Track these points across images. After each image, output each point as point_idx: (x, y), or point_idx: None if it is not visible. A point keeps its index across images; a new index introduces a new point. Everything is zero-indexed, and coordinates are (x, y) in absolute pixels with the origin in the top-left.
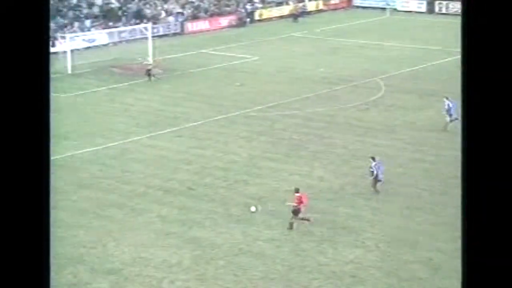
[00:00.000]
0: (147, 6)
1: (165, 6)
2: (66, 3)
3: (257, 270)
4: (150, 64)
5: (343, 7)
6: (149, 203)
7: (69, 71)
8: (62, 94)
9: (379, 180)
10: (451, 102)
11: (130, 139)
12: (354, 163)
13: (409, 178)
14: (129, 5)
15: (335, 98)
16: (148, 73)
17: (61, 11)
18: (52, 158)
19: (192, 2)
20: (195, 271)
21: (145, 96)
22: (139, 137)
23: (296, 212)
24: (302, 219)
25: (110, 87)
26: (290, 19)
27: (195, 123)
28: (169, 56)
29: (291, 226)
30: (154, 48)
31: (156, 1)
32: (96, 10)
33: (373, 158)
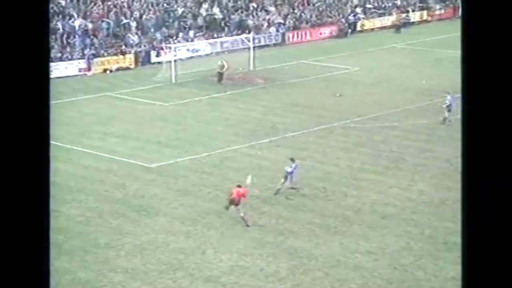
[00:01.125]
0: (250, 17)
1: (267, 17)
2: (172, 14)
3: (354, 283)
4: (224, 68)
5: (448, 18)
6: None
7: (173, 81)
8: (165, 103)
9: None
10: (452, 97)
11: (229, 148)
12: (456, 177)
13: None
14: (232, 16)
15: (437, 110)
16: (220, 77)
17: (167, 21)
18: (153, 165)
19: (294, 13)
20: (291, 281)
21: (245, 105)
22: (238, 146)
23: (233, 202)
24: (242, 217)
25: (212, 96)
26: (393, 30)
27: (294, 133)
28: (270, 66)
29: (227, 208)
30: (255, 58)
31: (259, 12)
32: (200, 21)
33: None
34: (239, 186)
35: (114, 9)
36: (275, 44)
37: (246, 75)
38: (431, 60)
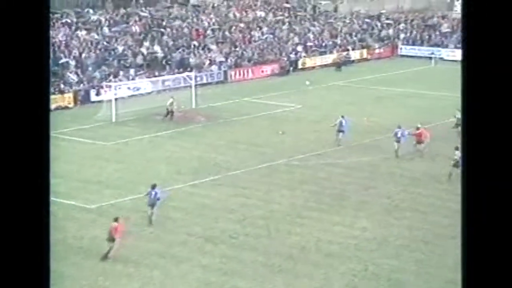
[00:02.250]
0: (191, 55)
1: (209, 54)
2: (112, 53)
3: None
4: (174, 105)
5: (388, 56)
6: (190, 252)
7: (114, 119)
8: (106, 142)
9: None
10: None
11: (172, 187)
12: (398, 214)
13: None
14: (173, 54)
15: (378, 147)
16: (171, 114)
17: (107, 60)
18: (93, 206)
19: (236, 51)
20: None
21: (187, 144)
22: (181, 185)
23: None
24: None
25: (153, 135)
26: (334, 68)
27: (237, 172)
28: (212, 104)
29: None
30: (197, 96)
31: (200, 50)
32: (140, 59)
33: None
34: (115, 220)
35: (52, 47)
36: (217, 82)
37: (188, 113)
38: (371, 98)
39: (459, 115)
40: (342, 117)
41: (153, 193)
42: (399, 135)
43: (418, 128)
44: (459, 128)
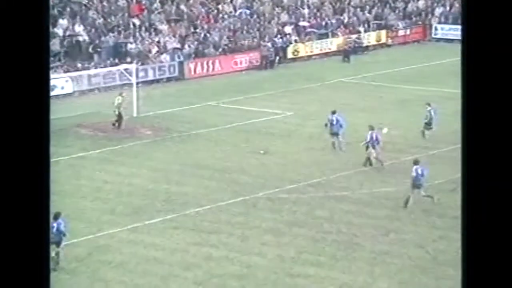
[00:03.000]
0: (131, 39)
1: (157, 38)
2: None
3: None
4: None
5: (416, 40)
6: None
7: None
8: None
9: None
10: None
11: (102, 233)
12: (434, 272)
13: None
14: (104, 38)
15: (403, 173)
16: (119, 120)
17: None
18: None
19: (196, 34)
20: None
21: (126, 168)
22: (116, 230)
23: None
24: None
25: (75, 156)
26: (340, 57)
27: (199, 209)
28: (162, 111)
29: None
30: (140, 99)
31: (144, 33)
32: (56, 45)
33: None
34: None
35: None
36: (169, 79)
37: (127, 124)
38: (394, 101)
39: (430, 110)
40: (333, 113)
41: (55, 225)
42: (374, 138)
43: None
44: (427, 130)
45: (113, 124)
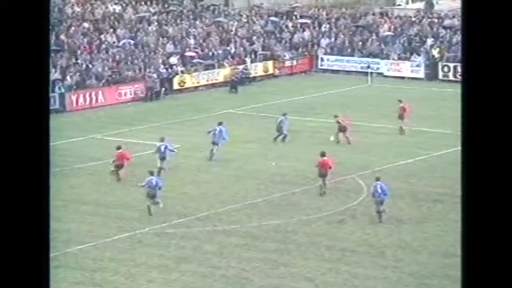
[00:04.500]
0: None
1: None
2: None
3: None
4: None
5: (303, 71)
6: None
7: None
8: None
9: None
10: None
11: None
12: None
13: None
14: None
15: (293, 205)
16: None
17: None
18: None
19: (78, 64)
20: None
21: None
22: None
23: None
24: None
25: None
26: (227, 88)
27: (82, 246)
28: None
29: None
30: None
31: None
32: None
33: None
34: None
35: None
36: (50, 111)
37: None
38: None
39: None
40: (220, 124)
41: (162, 148)
42: (162, 150)
43: (323, 155)
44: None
45: None
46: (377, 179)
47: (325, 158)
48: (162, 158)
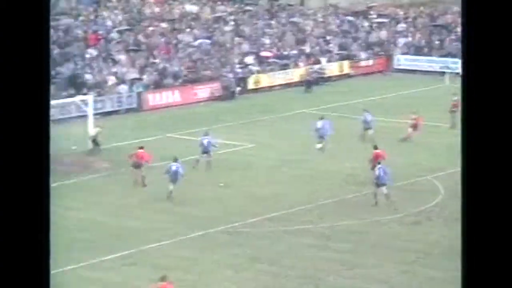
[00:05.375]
0: (88, 69)
1: (115, 69)
2: None
3: None
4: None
5: (379, 71)
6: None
7: None
8: None
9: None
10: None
11: (56, 270)
12: None
13: None
14: (60, 68)
15: (366, 206)
16: (95, 141)
17: None
18: None
19: (155, 64)
20: None
21: (80, 204)
22: (71, 266)
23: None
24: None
25: None
26: (302, 88)
27: (155, 244)
28: (118, 144)
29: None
30: (99, 126)
31: (101, 63)
32: None
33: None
34: (141, 148)
35: None
36: (127, 110)
37: (83, 157)
38: (356, 133)
39: (367, 116)
40: (321, 118)
41: (205, 142)
42: (205, 144)
43: (376, 148)
44: (368, 131)
45: (92, 152)
46: (379, 162)
47: (378, 151)
48: (204, 152)
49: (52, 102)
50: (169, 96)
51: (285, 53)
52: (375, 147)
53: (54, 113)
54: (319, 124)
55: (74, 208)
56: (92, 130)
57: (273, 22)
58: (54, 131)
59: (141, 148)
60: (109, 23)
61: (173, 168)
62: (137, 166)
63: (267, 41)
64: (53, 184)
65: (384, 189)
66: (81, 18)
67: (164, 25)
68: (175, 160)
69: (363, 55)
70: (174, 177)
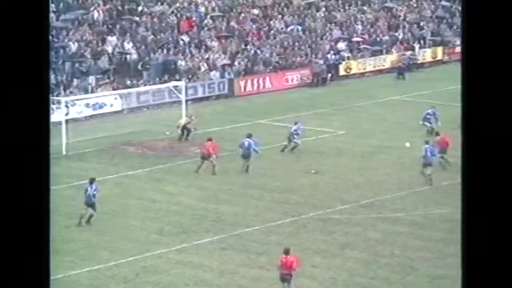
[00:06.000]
0: (180, 56)
1: (207, 55)
2: (61, 52)
3: None
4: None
5: None
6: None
7: (64, 151)
8: (52, 186)
9: None
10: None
11: (150, 253)
12: None
13: None
14: (154, 55)
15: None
16: (185, 130)
17: (54, 62)
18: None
19: (247, 50)
20: None
21: (174, 187)
22: (164, 250)
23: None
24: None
25: (123, 174)
26: (394, 75)
27: (249, 229)
28: (211, 129)
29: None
30: (189, 116)
31: (194, 49)
32: (104, 62)
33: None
34: (209, 140)
35: None
36: (219, 96)
37: (176, 142)
38: (450, 120)
39: (430, 110)
40: (433, 107)
41: (88, 188)
42: (246, 145)
43: (438, 134)
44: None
45: (180, 139)
46: (426, 142)
47: (442, 136)
48: (244, 156)
49: (146, 88)
50: (260, 83)
51: (378, 39)
52: (437, 134)
53: (147, 99)
54: (430, 111)
55: (167, 192)
56: (182, 120)
57: (365, 7)
58: (148, 116)
59: (210, 139)
60: (201, 9)
61: (246, 143)
62: (206, 157)
63: (359, 27)
64: (146, 169)
65: (428, 170)
66: (176, 4)
67: (255, 11)
68: (249, 136)
69: (458, 41)
70: (246, 151)
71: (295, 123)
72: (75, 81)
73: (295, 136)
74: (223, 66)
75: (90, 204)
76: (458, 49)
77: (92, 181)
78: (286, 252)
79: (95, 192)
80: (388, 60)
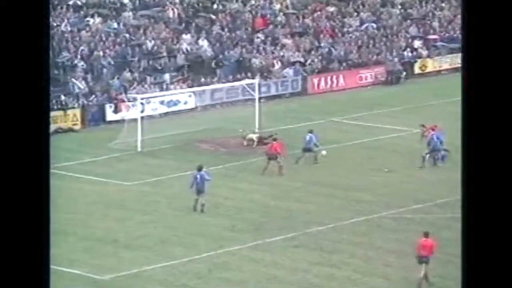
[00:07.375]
0: (254, 53)
1: (281, 53)
2: (137, 50)
3: None
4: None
5: None
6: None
7: (139, 148)
8: (126, 182)
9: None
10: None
11: (223, 250)
12: None
13: None
14: (228, 53)
15: None
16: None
17: (130, 60)
18: (106, 277)
19: (320, 48)
20: None
21: (247, 185)
22: (236, 247)
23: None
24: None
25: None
26: None
27: (321, 227)
28: (284, 127)
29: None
30: (262, 114)
31: (268, 47)
32: (179, 59)
33: None
34: (274, 140)
35: (51, 42)
36: (292, 94)
37: (250, 139)
38: None
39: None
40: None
41: (198, 176)
42: (308, 139)
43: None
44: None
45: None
46: (432, 129)
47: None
48: (304, 150)
49: (219, 86)
50: (333, 81)
51: (455, 35)
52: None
53: (221, 96)
54: None
55: (239, 189)
56: (252, 135)
57: (443, 4)
58: (221, 114)
59: (275, 140)
60: (276, 6)
61: (307, 138)
62: (272, 157)
63: (436, 23)
64: (218, 166)
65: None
66: (250, 2)
67: (331, 8)
68: (310, 131)
69: None
70: (307, 146)
71: (310, 132)
72: (150, 79)
73: (316, 145)
74: (297, 63)
75: (201, 191)
76: None
77: (200, 168)
78: (426, 235)
79: (208, 178)
80: None
